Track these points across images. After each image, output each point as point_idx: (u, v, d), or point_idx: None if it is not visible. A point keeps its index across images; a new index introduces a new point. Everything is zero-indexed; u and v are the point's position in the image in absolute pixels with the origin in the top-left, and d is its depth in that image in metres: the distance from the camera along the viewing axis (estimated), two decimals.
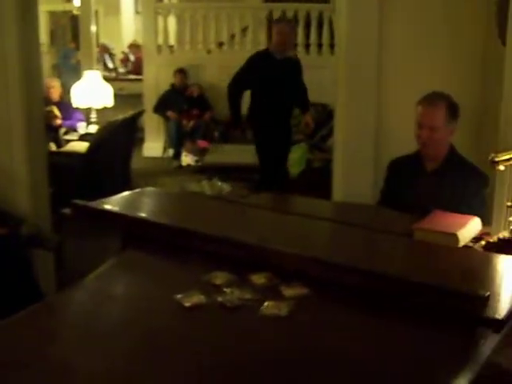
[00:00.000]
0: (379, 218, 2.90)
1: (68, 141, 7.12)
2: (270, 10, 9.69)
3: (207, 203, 2.69)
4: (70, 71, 11.41)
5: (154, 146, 9.68)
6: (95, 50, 10.12)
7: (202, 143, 9.22)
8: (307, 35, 9.49)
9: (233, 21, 9.70)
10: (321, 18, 9.35)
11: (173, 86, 9.44)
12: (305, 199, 3.88)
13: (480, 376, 1.41)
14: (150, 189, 2.80)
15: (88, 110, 7.62)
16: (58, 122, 7.19)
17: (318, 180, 6.22)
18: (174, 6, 10.89)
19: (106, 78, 8.83)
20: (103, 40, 13.91)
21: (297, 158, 7.79)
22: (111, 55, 13.60)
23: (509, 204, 2.51)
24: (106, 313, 1.78)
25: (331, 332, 1.62)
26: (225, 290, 1.74)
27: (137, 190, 2.65)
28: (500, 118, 3.70)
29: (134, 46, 13.20)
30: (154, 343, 1.59)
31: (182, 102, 9.36)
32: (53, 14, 15.15)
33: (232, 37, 9.81)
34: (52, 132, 6.87)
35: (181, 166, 9.05)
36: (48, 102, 7.10)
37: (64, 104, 7.49)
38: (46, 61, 12.77)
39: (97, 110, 7.60)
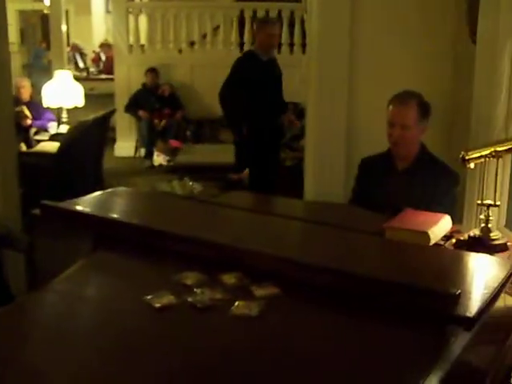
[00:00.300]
0: (351, 217, 2.90)
1: (39, 141, 7.04)
2: (241, 9, 9.68)
3: (178, 203, 2.67)
4: (41, 71, 11.32)
5: (125, 146, 9.63)
6: (66, 49, 10.04)
7: (173, 143, 9.19)
8: (279, 34, 9.47)
9: (204, 20, 9.67)
10: (292, 18, 9.36)
11: (144, 85, 9.40)
12: (276, 198, 3.87)
13: (451, 374, 1.41)
14: (120, 189, 2.77)
15: (59, 110, 7.55)
16: (28, 122, 7.11)
17: (289, 179, 6.21)
18: (145, 5, 10.84)
19: (77, 78, 8.78)
20: (74, 39, 13.83)
21: None
22: (82, 55, 13.51)
23: (479, 202, 2.52)
24: (76, 314, 1.76)
25: (302, 332, 1.61)
26: (195, 290, 1.73)
27: (107, 190, 2.62)
28: (471, 116, 3.73)
29: (105, 46, 13.13)
30: (124, 345, 1.58)
31: (154, 102, 9.33)
32: (23, 13, 15.02)
33: (203, 36, 9.79)
34: (22, 132, 6.79)
35: (153, 166, 9.02)
36: (18, 101, 7.02)
37: (34, 104, 7.41)
38: (16, 60, 12.65)
39: (68, 110, 7.53)
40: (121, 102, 9.45)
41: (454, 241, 2.40)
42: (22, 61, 13.83)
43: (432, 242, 2.30)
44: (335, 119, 4.07)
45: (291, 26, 9.41)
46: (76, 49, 13.40)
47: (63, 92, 7.38)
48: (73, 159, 6.24)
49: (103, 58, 13.27)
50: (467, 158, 2.57)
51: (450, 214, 2.63)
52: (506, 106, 3.57)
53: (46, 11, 12.07)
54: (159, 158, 9.06)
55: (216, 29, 9.87)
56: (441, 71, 4.09)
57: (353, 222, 2.59)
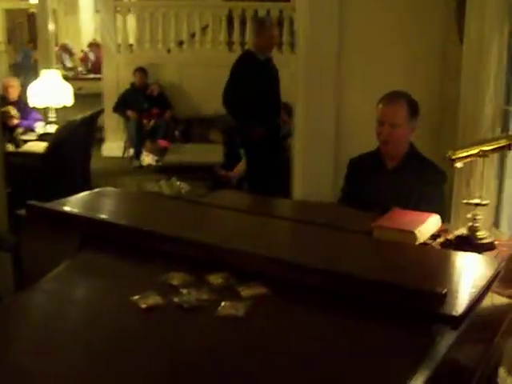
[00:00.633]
0: (339, 216, 2.90)
1: (26, 141, 6.99)
2: (229, 8, 9.66)
3: (165, 203, 2.66)
4: (30, 70, 11.27)
5: (114, 146, 9.60)
6: (53, 48, 9.99)
7: (162, 143, 9.17)
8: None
9: (193, 19, 9.64)
10: (281, 17, 9.35)
11: (132, 85, 9.37)
12: (264, 198, 3.86)
13: (438, 373, 1.41)
14: (107, 189, 2.76)
15: (46, 110, 7.51)
16: (15, 121, 7.07)
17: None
18: (134, 4, 10.79)
19: (65, 78, 8.73)
20: (62, 39, 13.77)
21: None
22: (70, 54, 13.46)
23: (466, 201, 2.52)
24: (63, 314, 1.76)
25: (289, 332, 1.61)
26: (181, 290, 1.72)
27: (94, 191, 2.62)
28: (458, 116, 3.74)
29: (94, 45, 13.09)
30: (111, 345, 1.57)
31: (142, 102, 9.31)
32: (10, 12, 14.94)
33: (192, 35, 9.77)
34: (9, 132, 6.76)
35: (141, 166, 8.99)
36: (6, 101, 6.98)
37: (22, 104, 7.37)
38: (3, 60, 12.60)
39: (56, 110, 7.48)
40: (109, 101, 9.41)
41: (441, 240, 2.40)
42: (9, 60, 13.76)
43: (419, 241, 2.30)
44: (324, 119, 4.07)
45: (280, 25, 9.40)
46: (65, 49, 13.35)
47: (50, 91, 7.34)
48: (60, 159, 6.22)
49: (91, 57, 13.22)
50: (454, 157, 2.57)
51: (438, 213, 2.63)
52: (492, 105, 3.58)
53: (33, 10, 12.00)
54: (148, 158, 9.04)
55: (205, 28, 9.84)
56: (429, 71, 4.10)
57: (341, 222, 2.59)
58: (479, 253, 2.25)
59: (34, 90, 7.37)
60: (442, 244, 2.38)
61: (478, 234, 2.41)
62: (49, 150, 6.23)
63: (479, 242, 2.38)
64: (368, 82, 4.01)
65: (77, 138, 6.47)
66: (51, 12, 9.66)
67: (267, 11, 9.38)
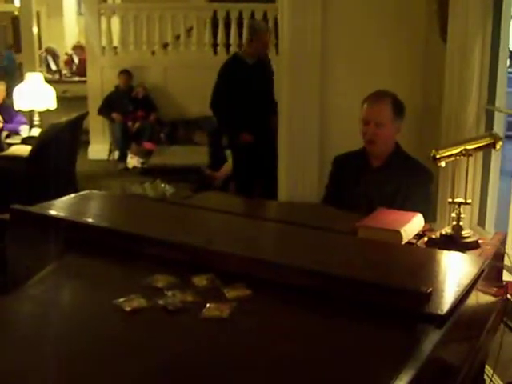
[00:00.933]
0: (324, 216, 2.90)
1: (10, 144, 6.97)
2: (214, 10, 9.66)
3: (150, 205, 2.65)
4: (14, 74, 11.21)
5: (99, 149, 9.58)
6: (37, 51, 9.94)
7: (147, 145, 9.16)
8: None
9: (177, 21, 9.63)
10: (266, 18, 9.35)
11: (117, 87, 9.35)
12: (249, 199, 3.86)
13: (423, 372, 1.41)
14: (91, 192, 2.75)
15: (31, 113, 7.47)
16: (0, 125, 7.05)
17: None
18: (118, 6, 10.79)
19: (50, 81, 8.69)
20: (46, 41, 13.71)
21: None
22: (55, 57, 13.40)
23: (450, 200, 2.53)
24: (47, 318, 1.74)
25: (274, 333, 1.60)
26: (166, 292, 1.72)
27: (79, 194, 2.61)
28: (442, 115, 3.75)
29: (78, 48, 13.03)
30: (95, 348, 1.56)
31: (127, 104, 9.29)
32: None
33: (177, 37, 9.75)
34: None
35: (127, 169, 8.98)
36: None
37: (6, 107, 7.33)
38: None
39: (40, 113, 7.45)
40: (94, 104, 9.39)
41: (426, 239, 2.41)
42: None
43: (404, 240, 2.30)
44: (308, 119, 4.07)
45: None
46: (50, 52, 13.29)
47: (35, 95, 7.31)
48: (45, 162, 6.19)
49: (76, 60, 13.16)
50: (438, 156, 2.58)
51: (424, 212, 2.63)
52: (476, 104, 3.60)
53: (17, 13, 11.93)
54: (133, 161, 9.03)
55: (189, 30, 9.83)
56: (411, 71, 4.11)
57: (326, 222, 2.59)
58: (463, 252, 2.26)
59: (18, 94, 7.34)
60: (426, 243, 2.38)
61: (462, 232, 2.41)
62: (33, 153, 6.20)
63: (463, 240, 2.38)
64: (352, 82, 4.01)
65: (62, 141, 6.44)
66: (35, 15, 9.59)
67: (251, 12, 9.38)
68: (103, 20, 9.62)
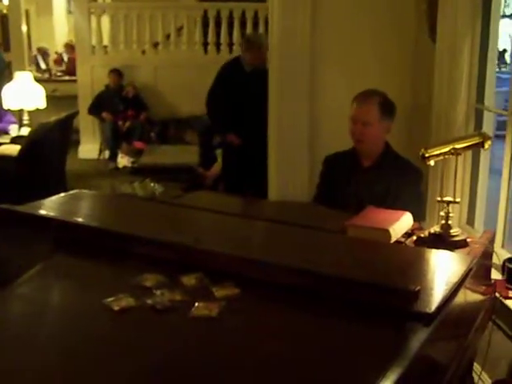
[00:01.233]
0: (314, 215, 2.90)
1: None
2: (204, 9, 9.64)
3: (139, 204, 2.65)
4: (4, 72, 11.15)
5: (89, 148, 9.55)
6: (26, 50, 9.90)
7: (138, 144, 9.14)
8: (243, 34, 9.45)
9: (168, 20, 9.61)
10: (256, 18, 9.35)
11: (107, 86, 9.33)
12: (239, 198, 3.86)
13: (410, 370, 1.41)
14: (81, 191, 2.74)
15: (20, 112, 7.44)
16: None
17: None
18: (108, 5, 10.74)
19: (39, 80, 8.66)
20: (35, 40, 13.65)
21: None
22: (45, 56, 13.35)
23: (439, 199, 2.54)
24: (36, 318, 1.73)
25: (263, 332, 1.60)
26: (155, 292, 1.71)
27: (68, 193, 2.60)
28: (431, 115, 3.76)
29: (69, 47, 12.98)
30: (84, 348, 1.55)
31: (118, 103, 9.27)
32: None
33: (167, 37, 9.73)
34: None
35: (117, 168, 8.97)
36: None
37: None
38: None
39: (29, 112, 7.42)
40: (84, 103, 9.36)
41: (414, 238, 2.42)
42: None
43: (393, 239, 2.31)
44: (298, 118, 4.07)
45: (255, 26, 9.40)
46: (42, 51, 13.24)
47: (24, 94, 7.28)
48: (35, 162, 6.17)
49: (66, 59, 13.12)
50: (427, 155, 2.60)
51: (415, 211, 2.65)
52: (465, 103, 3.61)
53: (5, 11, 11.87)
54: (123, 160, 9.01)
55: (180, 29, 9.82)
56: (401, 70, 4.11)
57: (316, 221, 2.59)
58: (452, 250, 2.27)
59: (7, 93, 7.30)
60: (415, 242, 2.39)
61: (450, 231, 2.42)
62: (22, 152, 6.17)
63: (452, 239, 2.39)
64: (342, 81, 4.02)
65: (52, 140, 6.42)
66: (24, 13, 9.55)
67: (242, 12, 9.38)
68: (93, 19, 9.58)
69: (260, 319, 1.66)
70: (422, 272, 1.97)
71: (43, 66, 13.09)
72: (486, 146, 2.59)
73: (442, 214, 2.50)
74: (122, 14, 9.57)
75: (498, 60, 5.90)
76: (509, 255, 3.08)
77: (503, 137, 3.31)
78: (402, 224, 2.42)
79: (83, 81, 9.61)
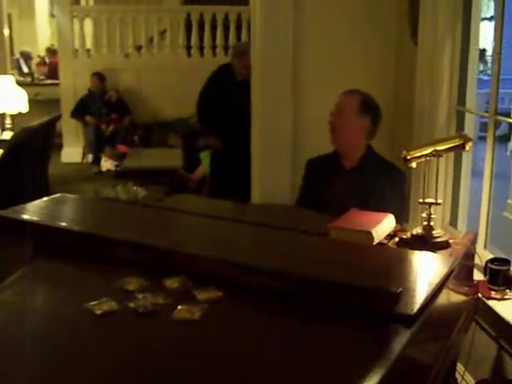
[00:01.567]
0: (297, 218, 2.91)
1: None
2: (187, 12, 9.64)
3: (121, 208, 2.64)
4: None
5: (72, 152, 9.52)
6: (8, 53, 9.84)
7: (121, 148, 9.12)
8: (226, 37, 9.47)
9: (151, 24, 9.60)
10: (239, 21, 9.36)
11: (90, 90, 9.29)
12: (221, 202, 3.86)
13: (393, 372, 1.42)
14: (63, 195, 2.73)
15: (2, 116, 7.40)
16: None
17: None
18: (91, 8, 10.72)
19: (22, 83, 8.61)
20: (18, 44, 13.57)
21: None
22: (27, 60, 13.29)
23: (421, 201, 2.55)
24: (17, 324, 1.72)
25: (245, 335, 1.60)
26: (137, 295, 1.71)
27: (50, 197, 2.58)
28: (413, 116, 3.78)
29: (51, 51, 12.92)
30: (66, 352, 1.55)
31: (101, 107, 9.25)
32: None
33: (150, 40, 9.72)
34: None
35: (100, 172, 8.94)
36: None
37: None
38: None
39: (12, 116, 7.38)
40: (67, 107, 9.32)
41: (397, 239, 2.42)
42: None
43: (375, 241, 2.31)
44: (280, 121, 4.07)
45: (238, 29, 9.40)
46: (24, 55, 13.18)
47: (6, 97, 7.24)
48: (17, 166, 6.12)
49: (47, 62, 13.07)
50: (408, 157, 2.61)
51: (398, 212, 2.65)
52: (446, 104, 3.63)
53: None
54: (107, 164, 8.99)
55: (163, 32, 9.80)
56: (384, 72, 4.13)
57: (298, 224, 2.60)
58: (434, 251, 2.28)
59: None
60: (397, 243, 2.40)
61: (433, 232, 2.43)
62: (5, 156, 6.13)
63: (434, 240, 2.40)
64: (324, 84, 4.02)
65: (34, 144, 6.38)
66: (6, 16, 9.49)
67: (225, 15, 9.38)
68: (76, 22, 9.54)
69: (242, 322, 1.66)
70: (404, 273, 1.97)
71: (26, 69, 13.03)
72: (467, 147, 2.60)
73: (424, 215, 2.51)
74: (104, 17, 9.55)
75: (480, 59, 5.91)
76: (491, 256, 3.10)
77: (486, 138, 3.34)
78: (384, 226, 2.43)
79: (66, 84, 9.57)
